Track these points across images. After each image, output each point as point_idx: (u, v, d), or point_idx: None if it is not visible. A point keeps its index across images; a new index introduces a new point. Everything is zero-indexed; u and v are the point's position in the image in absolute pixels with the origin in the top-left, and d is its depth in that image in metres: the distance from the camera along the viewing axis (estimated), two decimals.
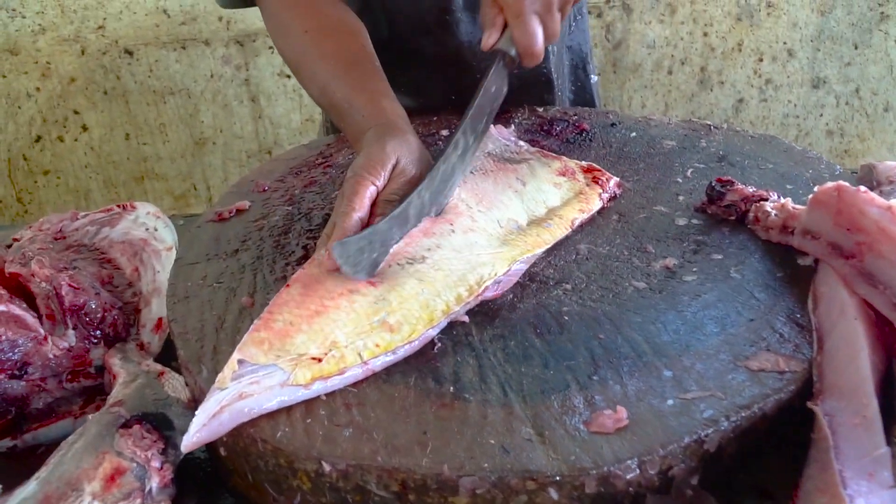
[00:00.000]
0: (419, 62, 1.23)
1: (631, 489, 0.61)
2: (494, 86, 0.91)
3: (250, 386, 0.65)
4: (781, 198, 0.87)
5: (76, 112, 2.26)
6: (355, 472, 0.61)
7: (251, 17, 2.21)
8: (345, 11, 1.07)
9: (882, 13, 2.36)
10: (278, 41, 1.08)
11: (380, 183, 0.84)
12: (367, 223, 0.81)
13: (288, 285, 0.74)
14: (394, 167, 0.85)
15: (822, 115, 2.52)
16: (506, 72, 0.91)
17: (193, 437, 0.62)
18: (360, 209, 0.81)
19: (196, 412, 0.63)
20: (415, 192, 0.81)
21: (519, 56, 0.89)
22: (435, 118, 1.22)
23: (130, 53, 2.21)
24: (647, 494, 0.61)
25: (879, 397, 0.63)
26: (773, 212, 0.83)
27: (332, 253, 0.73)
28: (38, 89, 2.21)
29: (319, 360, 0.67)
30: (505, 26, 0.89)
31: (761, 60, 2.43)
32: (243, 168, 2.40)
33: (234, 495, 0.72)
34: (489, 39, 0.89)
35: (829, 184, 0.74)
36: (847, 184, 0.73)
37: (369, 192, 0.82)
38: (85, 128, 2.29)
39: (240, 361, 0.66)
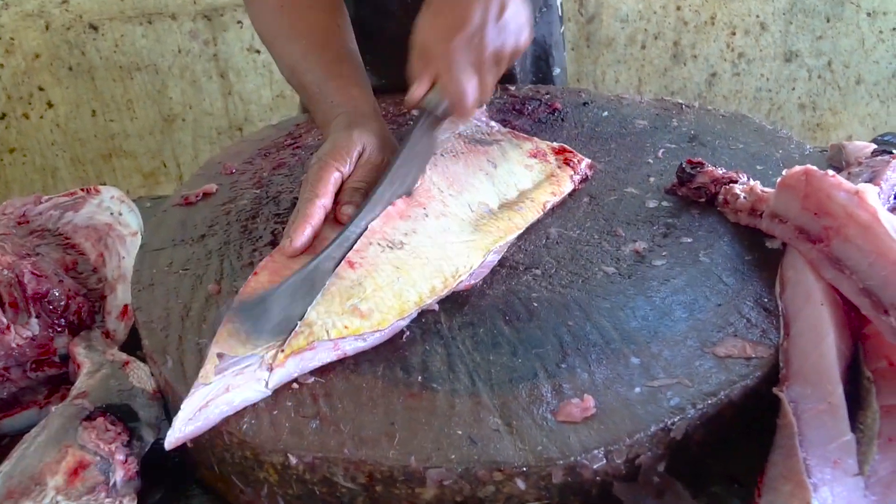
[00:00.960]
0: (383, 42, 1.22)
1: (598, 478, 0.61)
2: (419, 144, 0.86)
3: (235, 378, 0.64)
4: (751, 179, 0.87)
5: (41, 89, 2.21)
6: (322, 465, 0.61)
7: None
8: None
9: None
10: (252, 12, 1.06)
11: (345, 170, 0.83)
12: (330, 209, 0.80)
13: (256, 272, 0.74)
14: (360, 154, 0.84)
15: (794, 89, 2.52)
16: (432, 128, 0.87)
17: (178, 431, 0.61)
18: (324, 195, 0.80)
19: (181, 406, 0.62)
20: (323, 252, 0.74)
21: (448, 111, 0.84)
22: (399, 98, 1.20)
23: (95, 28, 2.16)
24: (614, 482, 0.61)
25: (845, 383, 0.64)
26: (742, 195, 0.83)
27: (229, 316, 0.69)
28: (1, 65, 2.16)
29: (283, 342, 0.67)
30: (434, 82, 0.84)
31: (734, 34, 2.43)
32: (213, 145, 2.37)
33: (201, 487, 0.71)
34: (415, 93, 0.84)
35: (798, 168, 0.74)
36: (815, 168, 0.73)
37: (333, 178, 0.81)
38: (50, 105, 2.24)
39: (219, 355, 0.65)
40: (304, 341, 0.67)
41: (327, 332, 0.68)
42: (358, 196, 0.81)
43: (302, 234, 0.76)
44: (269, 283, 0.73)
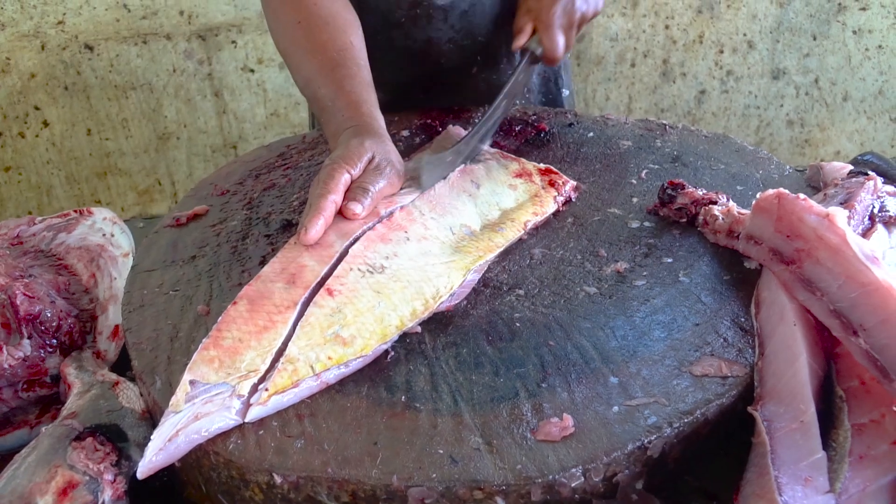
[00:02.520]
0: (389, 56, 1.25)
1: (577, 496, 0.62)
2: (523, 74, 1.13)
3: (204, 406, 0.65)
4: (729, 201, 0.89)
5: (37, 108, 2.23)
6: (306, 484, 0.62)
7: (213, 12, 2.19)
8: (339, 3, 1.09)
9: (839, 4, 2.39)
10: (272, 27, 1.11)
11: (354, 172, 0.87)
12: (339, 206, 0.85)
13: (235, 302, 0.75)
14: (369, 161, 0.89)
15: (782, 106, 2.55)
16: (528, 66, 1.13)
17: (149, 462, 0.62)
18: (335, 192, 0.84)
19: (151, 437, 0.63)
20: (462, 140, 1.01)
21: (542, 57, 1.12)
22: (396, 118, 1.23)
23: (91, 48, 2.18)
24: (592, 500, 0.63)
25: (818, 402, 0.65)
26: (721, 216, 0.85)
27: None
28: None
29: (264, 378, 0.67)
30: (533, 33, 1.12)
31: (722, 52, 2.46)
32: (208, 163, 2.39)
33: None
34: (520, 41, 1.12)
35: (771, 191, 0.76)
36: (787, 191, 0.74)
37: (344, 178, 0.85)
38: (46, 123, 2.25)
39: (191, 382, 0.66)
40: (289, 380, 0.68)
41: (311, 367, 0.69)
42: (362, 193, 0.85)
43: (315, 225, 0.81)
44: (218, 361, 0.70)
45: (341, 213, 0.85)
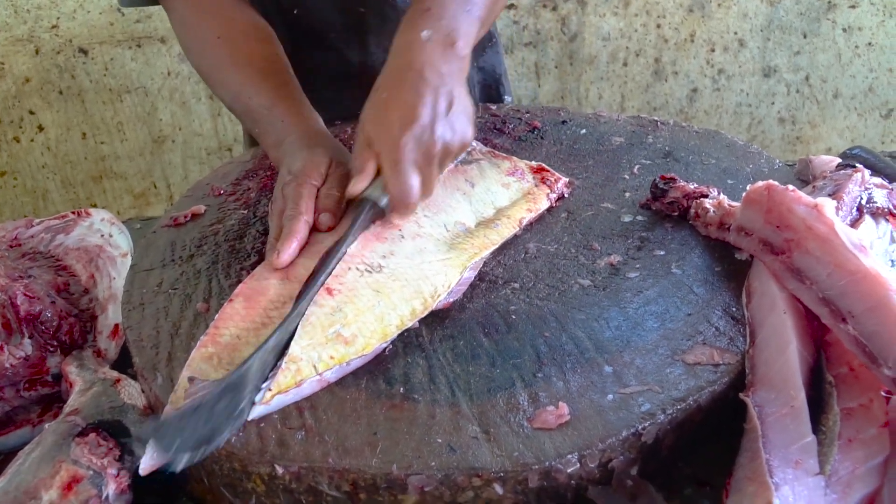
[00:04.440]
0: (325, 78, 1.24)
1: (573, 482, 0.63)
2: (353, 235, 0.81)
3: None
4: (720, 194, 0.91)
5: (31, 112, 2.24)
6: (307, 474, 0.63)
7: None
8: (254, 16, 1.06)
9: (829, 2, 2.42)
10: (188, 46, 1.06)
11: (319, 183, 0.85)
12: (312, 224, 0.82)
13: (231, 300, 0.75)
14: (328, 167, 0.87)
15: (773, 103, 2.57)
16: (370, 223, 0.83)
17: (151, 459, 0.62)
18: (307, 212, 0.82)
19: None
20: (251, 358, 0.67)
21: (390, 207, 0.82)
22: (350, 128, 1.21)
23: (85, 52, 2.19)
24: (588, 486, 0.64)
25: (808, 388, 0.67)
26: (712, 209, 0.86)
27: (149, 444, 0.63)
28: None
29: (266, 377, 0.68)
30: (377, 173, 0.82)
31: (713, 51, 2.48)
32: (203, 165, 2.40)
33: (191, 499, 0.73)
34: (357, 185, 0.81)
35: (760, 183, 0.77)
36: (776, 183, 0.76)
37: (313, 196, 0.84)
38: (41, 128, 2.26)
39: (190, 379, 0.67)
40: (292, 380, 0.68)
41: (314, 366, 0.69)
42: (332, 202, 0.83)
43: (289, 248, 0.78)
44: (216, 359, 0.70)
45: (315, 228, 0.82)
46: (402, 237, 0.84)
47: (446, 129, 0.82)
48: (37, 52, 2.17)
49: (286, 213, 0.82)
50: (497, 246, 0.88)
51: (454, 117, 0.83)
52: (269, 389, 0.67)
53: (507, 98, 1.46)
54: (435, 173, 0.83)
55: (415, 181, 0.80)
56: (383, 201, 0.81)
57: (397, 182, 0.79)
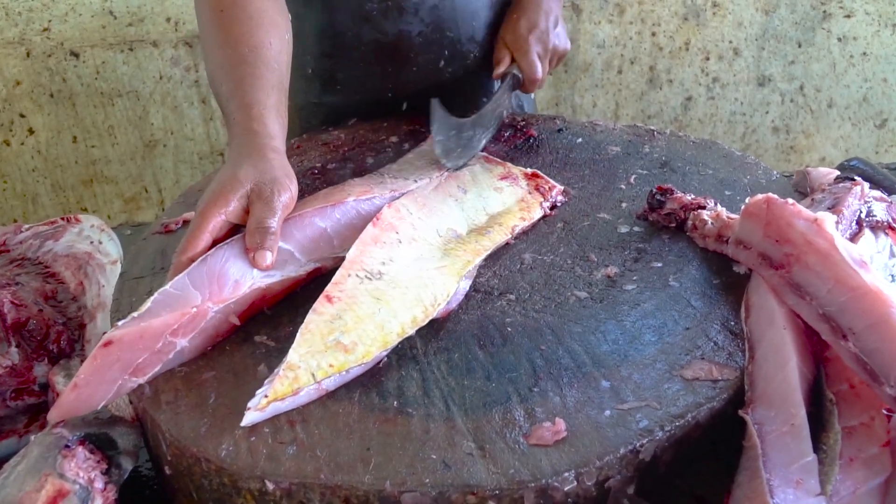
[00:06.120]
0: (357, 53, 1.24)
1: (569, 500, 0.62)
2: (504, 95, 1.19)
3: None
4: (719, 205, 0.90)
5: (22, 115, 2.22)
6: (298, 490, 0.62)
7: None
8: (271, 3, 1.02)
9: (824, 12, 2.42)
10: (196, 12, 1.04)
11: (229, 209, 0.81)
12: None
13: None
14: (248, 193, 0.82)
15: (767, 113, 2.57)
16: (509, 90, 1.20)
17: None
18: (198, 248, 0.78)
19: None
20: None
21: (522, 81, 1.20)
22: (385, 124, 1.23)
23: (76, 55, 2.17)
24: None
25: (809, 405, 0.66)
26: (710, 220, 0.86)
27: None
28: None
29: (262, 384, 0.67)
30: (512, 62, 1.21)
31: (708, 59, 2.48)
32: (195, 170, 2.38)
33: None
34: (500, 69, 1.21)
35: (760, 196, 0.76)
36: (776, 196, 0.75)
37: (212, 225, 0.80)
38: (31, 131, 2.24)
39: None
40: (289, 387, 0.67)
41: (313, 374, 0.68)
42: (266, 238, 0.79)
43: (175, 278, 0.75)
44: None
45: (255, 265, 0.78)
46: (400, 241, 0.83)
47: (555, 37, 1.24)
48: (28, 54, 2.15)
49: (180, 244, 0.79)
50: (489, 252, 0.87)
51: (560, 31, 1.27)
52: (266, 396, 0.66)
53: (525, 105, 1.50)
54: (547, 65, 1.23)
55: (538, 63, 1.20)
56: (519, 75, 1.21)
57: (527, 62, 1.20)
